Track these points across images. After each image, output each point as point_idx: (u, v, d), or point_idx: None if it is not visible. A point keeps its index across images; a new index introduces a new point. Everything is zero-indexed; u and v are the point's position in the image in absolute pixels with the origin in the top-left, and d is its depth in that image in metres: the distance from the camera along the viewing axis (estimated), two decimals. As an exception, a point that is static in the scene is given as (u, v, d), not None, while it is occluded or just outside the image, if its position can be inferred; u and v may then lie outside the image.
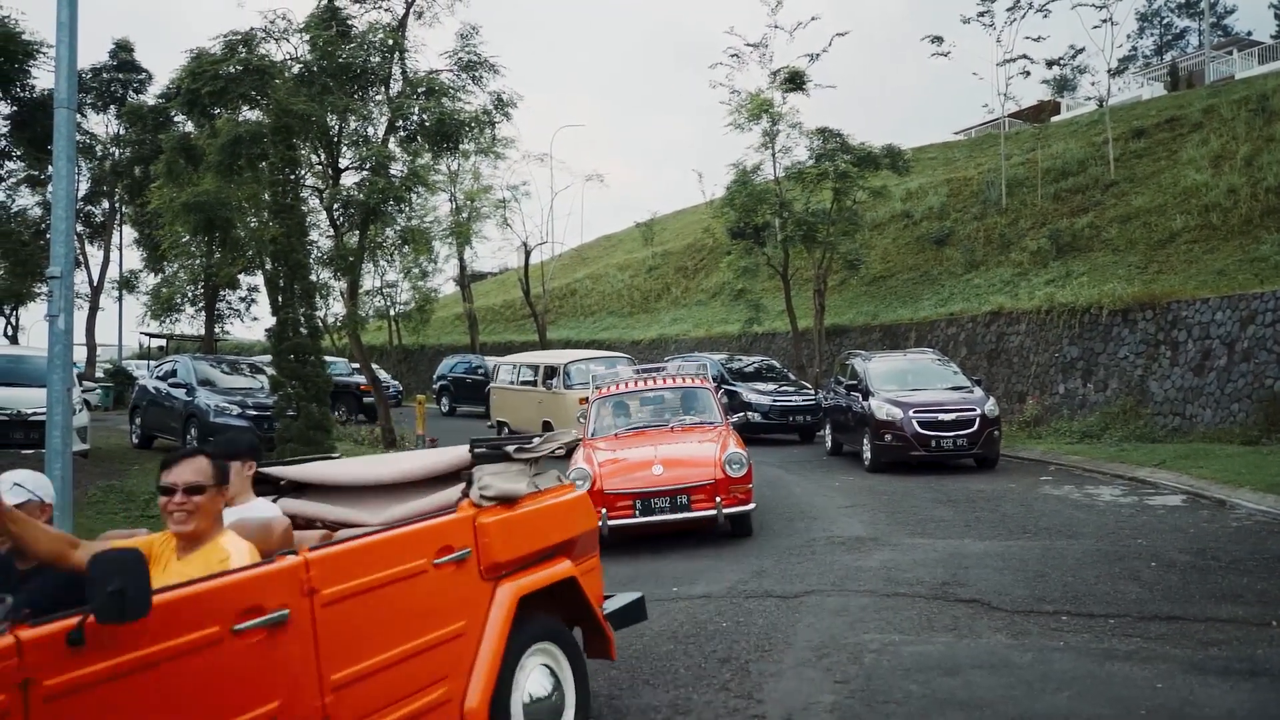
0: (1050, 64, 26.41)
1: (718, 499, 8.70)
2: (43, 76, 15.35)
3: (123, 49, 32.09)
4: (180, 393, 16.19)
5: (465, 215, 30.34)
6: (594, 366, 15.88)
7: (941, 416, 13.27)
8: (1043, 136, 27.51)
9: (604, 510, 8.40)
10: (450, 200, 30.66)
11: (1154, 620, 5.89)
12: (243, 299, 31.30)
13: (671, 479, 8.80)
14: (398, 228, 18.11)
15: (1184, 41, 56.80)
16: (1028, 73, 26.23)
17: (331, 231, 17.48)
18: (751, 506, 9.05)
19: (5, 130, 15.68)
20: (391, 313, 31.70)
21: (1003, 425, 14.64)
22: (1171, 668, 5.02)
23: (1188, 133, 23.09)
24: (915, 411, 13.34)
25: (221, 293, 28.47)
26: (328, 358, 17.37)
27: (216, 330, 29.04)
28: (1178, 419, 15.17)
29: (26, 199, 28.98)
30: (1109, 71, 27.15)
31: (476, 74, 17.22)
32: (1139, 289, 16.98)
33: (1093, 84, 37.04)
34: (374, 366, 19.94)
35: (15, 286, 28.66)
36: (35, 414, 12.97)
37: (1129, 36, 56.51)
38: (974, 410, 13.36)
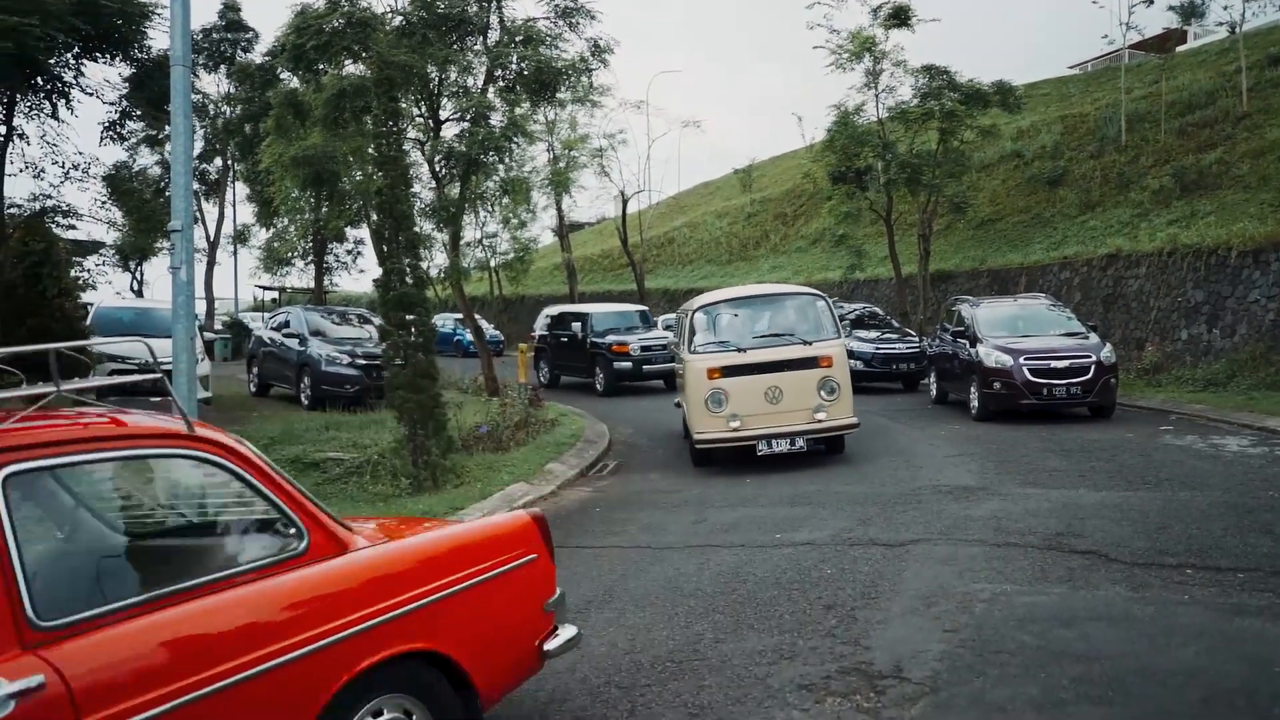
0: (1178, -13, 24.78)
1: None
2: (158, 38, 15.85)
3: (230, 9, 33.02)
4: (294, 343, 16.81)
5: (563, 164, 30.37)
6: (725, 312, 11.10)
7: (1054, 364, 12.81)
8: (1167, 68, 25.89)
9: None
10: (548, 150, 30.71)
11: (1288, 575, 5.59)
12: (349, 251, 32.28)
13: None
14: (498, 178, 18.24)
15: (1328, -40, 52.42)
16: (1151, 0, 24.54)
17: (434, 183, 17.72)
18: None
19: (125, 91, 16.26)
20: (492, 263, 32.13)
21: (1120, 373, 14.04)
22: (1308, 625, 4.76)
23: (1331, 59, 21.43)
24: (1026, 358, 12.90)
25: (329, 246, 29.39)
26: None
27: (325, 282, 30.01)
28: (1313, 366, 14.28)
29: (146, 158, 30.34)
30: (1243, -6, 25.28)
31: (573, 20, 17.08)
32: (1272, 227, 15.90)
33: (1225, 9, 34.59)
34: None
35: (139, 242, 30.14)
36: (161, 364, 13.64)
37: (1265, -44, 52.46)
38: (1089, 357, 12.85)
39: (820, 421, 10.10)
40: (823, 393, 10.16)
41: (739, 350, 10.39)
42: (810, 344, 10.39)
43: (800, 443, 10.15)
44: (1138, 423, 12.55)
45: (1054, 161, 25.03)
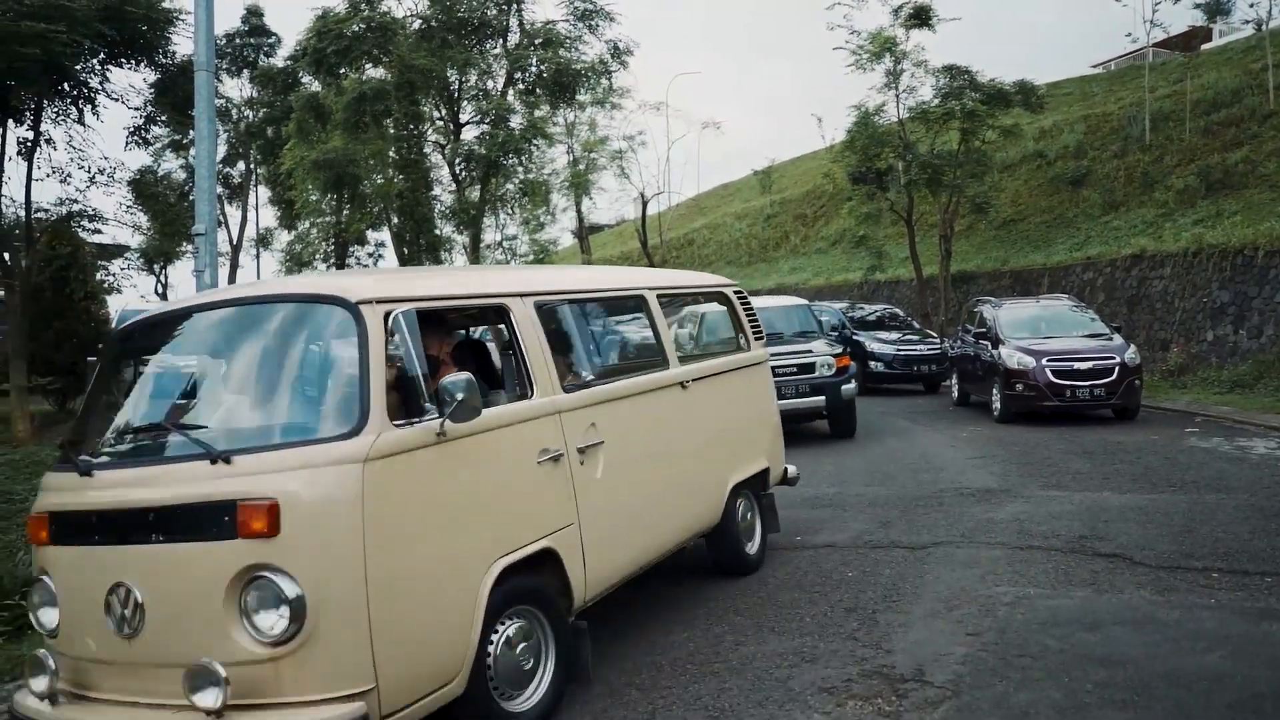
0: (1204, -16, 24.53)
1: None
2: (182, 43, 16.02)
3: (253, 14, 33.28)
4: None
5: (582, 166, 30.44)
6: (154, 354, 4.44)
7: (1077, 365, 12.71)
8: (1192, 66, 25.63)
9: None
10: (568, 152, 30.80)
11: (1317, 579, 5.52)
12: (371, 254, 32.45)
13: None
14: (517, 180, 18.33)
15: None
16: (1177, -3, 24.35)
17: (454, 186, 17.82)
18: None
19: (150, 96, 16.43)
20: (512, 265, 32.18)
21: (1144, 375, 13.91)
22: (1338, 630, 4.70)
23: (1360, 56, 21.15)
24: (1049, 360, 12.80)
25: (351, 248, 29.53)
26: None
27: (347, 285, 30.16)
28: (1342, 367, 14.09)
29: (171, 163, 30.67)
30: (1270, -9, 25.02)
31: (592, 23, 17.16)
32: (1300, 227, 15.74)
33: (1251, 5, 34.31)
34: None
35: (164, 245, 30.46)
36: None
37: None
38: (1113, 358, 12.73)
39: (213, 714, 3.02)
40: (250, 622, 3.13)
41: (81, 471, 3.60)
42: (229, 461, 3.24)
43: None
44: (1162, 425, 12.43)
45: (1077, 161, 24.84)
